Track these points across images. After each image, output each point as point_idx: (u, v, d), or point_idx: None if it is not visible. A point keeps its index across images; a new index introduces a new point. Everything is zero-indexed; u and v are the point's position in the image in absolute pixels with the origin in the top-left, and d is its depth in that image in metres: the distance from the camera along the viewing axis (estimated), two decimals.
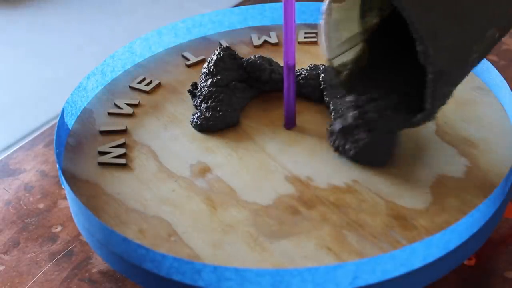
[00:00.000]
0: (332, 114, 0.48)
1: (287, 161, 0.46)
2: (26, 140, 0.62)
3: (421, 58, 0.40)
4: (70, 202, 0.44)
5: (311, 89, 0.51)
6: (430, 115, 0.42)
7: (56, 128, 0.47)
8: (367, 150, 0.44)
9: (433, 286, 0.42)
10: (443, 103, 0.42)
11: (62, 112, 0.49)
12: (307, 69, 0.52)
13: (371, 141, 0.44)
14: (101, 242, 0.41)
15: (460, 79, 0.42)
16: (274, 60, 0.53)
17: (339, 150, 0.45)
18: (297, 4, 0.57)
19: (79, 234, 0.50)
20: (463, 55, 0.41)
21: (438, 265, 0.38)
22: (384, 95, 0.46)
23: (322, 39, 0.46)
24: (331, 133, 0.46)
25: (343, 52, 0.46)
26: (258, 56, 0.52)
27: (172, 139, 0.49)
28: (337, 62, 0.47)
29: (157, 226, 0.41)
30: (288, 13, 0.44)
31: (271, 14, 0.62)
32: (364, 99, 0.46)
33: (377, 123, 0.44)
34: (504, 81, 0.49)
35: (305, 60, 0.56)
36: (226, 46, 0.53)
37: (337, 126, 0.45)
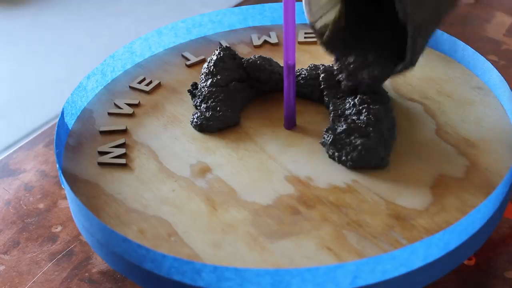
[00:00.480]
0: (331, 115, 0.48)
1: (287, 161, 0.46)
2: (26, 140, 0.62)
3: (401, 16, 0.43)
4: (70, 202, 0.44)
5: (311, 89, 0.51)
6: (410, 65, 0.46)
7: (56, 128, 0.47)
8: (363, 160, 0.44)
9: (433, 286, 0.42)
10: (421, 54, 0.47)
11: (62, 112, 0.49)
12: (307, 69, 0.52)
13: (365, 149, 0.44)
14: (101, 242, 0.41)
15: (435, 31, 0.47)
16: (274, 60, 0.53)
17: (335, 159, 0.45)
18: (297, 4, 0.57)
19: (79, 234, 0.50)
20: (436, 9, 0.45)
21: (438, 265, 0.38)
22: (364, 51, 0.49)
23: (303, 4, 0.49)
24: (323, 145, 0.46)
25: (324, 14, 0.49)
26: (258, 56, 0.52)
27: (172, 139, 0.49)
28: (319, 24, 0.49)
29: (157, 226, 0.41)
30: (288, 13, 0.44)
31: (271, 14, 0.62)
32: (346, 64, 0.50)
33: (363, 75, 0.48)
34: (504, 81, 0.49)
35: (305, 60, 0.56)
36: (226, 46, 0.53)
37: (328, 138, 0.46)
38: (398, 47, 0.47)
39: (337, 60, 0.50)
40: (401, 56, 0.46)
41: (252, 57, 0.52)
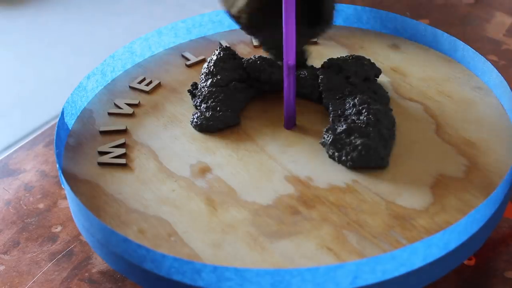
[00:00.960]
0: (331, 115, 0.48)
1: (287, 161, 0.46)
2: (26, 140, 0.62)
3: None
4: (70, 202, 0.44)
5: (311, 89, 0.51)
6: (328, 24, 0.51)
7: (56, 128, 0.47)
8: (363, 160, 0.44)
9: (433, 286, 0.42)
10: (333, 17, 0.52)
11: (62, 112, 0.49)
12: (307, 69, 0.52)
13: (365, 149, 0.44)
14: (101, 242, 0.41)
15: None
16: None
17: (335, 159, 0.45)
18: None
19: (79, 234, 0.50)
20: None
21: (438, 265, 0.38)
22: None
23: None
24: (323, 145, 0.46)
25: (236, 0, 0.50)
26: (258, 57, 0.52)
27: (172, 139, 0.49)
28: (234, 10, 0.50)
29: (157, 226, 0.41)
30: (288, 13, 0.44)
31: None
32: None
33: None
34: (504, 81, 0.49)
35: None
36: (226, 46, 0.53)
37: (328, 138, 0.46)
38: (310, 13, 0.51)
39: (260, 41, 0.52)
40: (316, 20, 0.51)
41: (252, 57, 0.52)
